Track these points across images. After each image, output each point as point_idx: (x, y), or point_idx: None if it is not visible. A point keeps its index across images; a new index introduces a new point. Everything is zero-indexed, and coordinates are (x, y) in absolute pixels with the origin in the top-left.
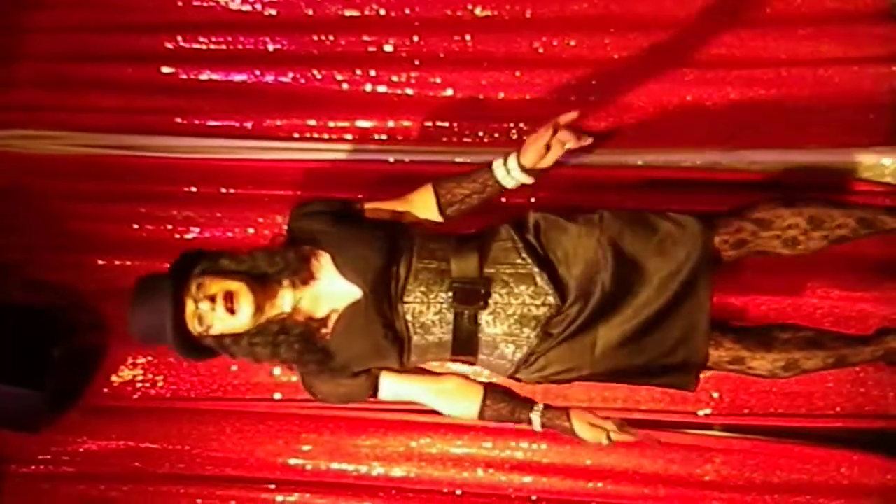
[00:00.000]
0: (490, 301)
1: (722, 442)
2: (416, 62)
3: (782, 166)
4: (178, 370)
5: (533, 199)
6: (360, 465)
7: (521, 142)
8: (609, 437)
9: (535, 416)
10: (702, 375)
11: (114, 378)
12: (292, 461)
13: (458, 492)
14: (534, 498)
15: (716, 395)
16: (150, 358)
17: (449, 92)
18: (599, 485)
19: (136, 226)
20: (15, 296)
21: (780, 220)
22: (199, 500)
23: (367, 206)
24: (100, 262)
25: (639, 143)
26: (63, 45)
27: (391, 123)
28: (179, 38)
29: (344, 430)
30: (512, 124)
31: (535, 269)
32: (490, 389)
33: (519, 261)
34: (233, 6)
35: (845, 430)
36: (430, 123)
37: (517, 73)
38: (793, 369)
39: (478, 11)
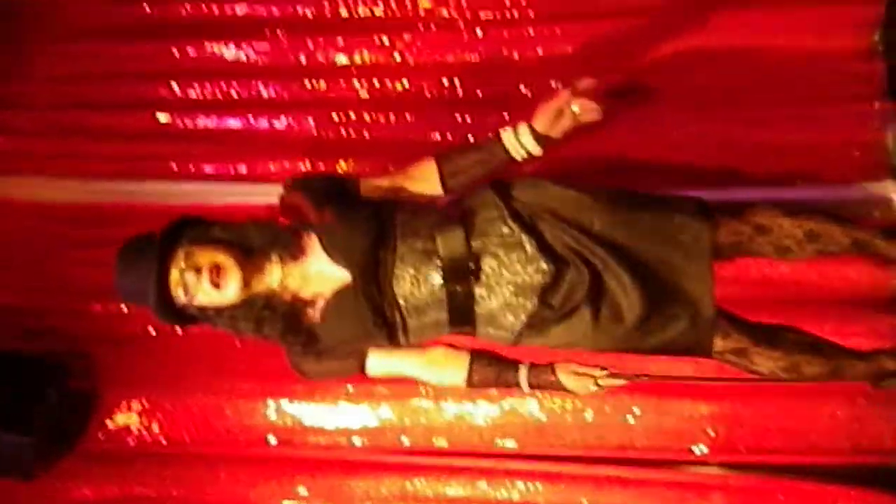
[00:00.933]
0: (481, 275)
1: (719, 479)
2: (405, 106)
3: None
4: (173, 415)
5: None
6: None
7: None
8: (597, 384)
9: (522, 377)
10: (701, 413)
11: (109, 423)
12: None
13: None
14: None
15: (712, 432)
16: (144, 403)
17: (436, 136)
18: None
19: None
20: (9, 341)
21: (780, 229)
22: None
23: (364, 182)
24: (97, 308)
25: (628, 182)
26: (61, 94)
27: (382, 167)
28: (175, 86)
29: (338, 471)
30: None
31: (524, 237)
32: (476, 355)
33: (506, 230)
34: (227, 55)
35: (842, 466)
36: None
37: (505, 114)
38: (792, 372)
39: (466, 56)
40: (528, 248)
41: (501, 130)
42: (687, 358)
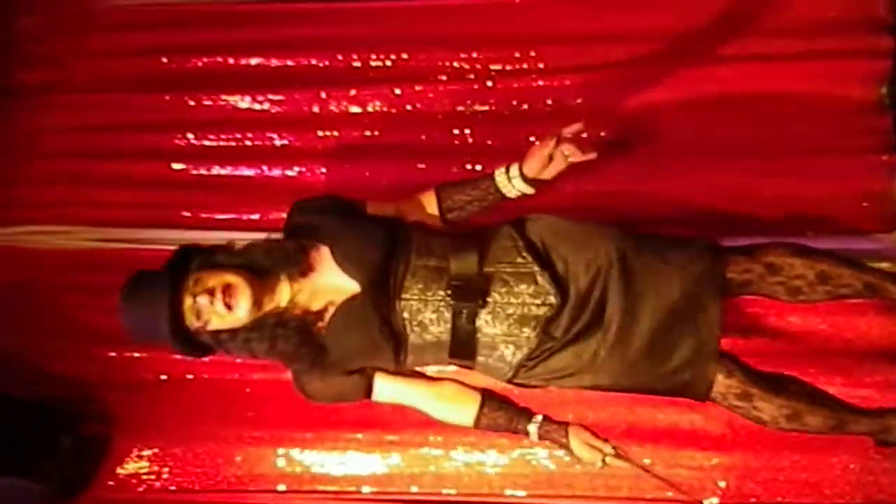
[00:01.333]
0: (489, 300)
1: None
2: (418, 157)
3: None
4: (183, 462)
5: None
6: None
7: None
8: (604, 461)
9: (533, 428)
10: (712, 464)
11: (119, 470)
12: None
13: None
14: None
15: (722, 483)
16: (155, 450)
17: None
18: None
19: None
20: (22, 387)
21: (790, 269)
22: None
23: (370, 205)
24: (109, 354)
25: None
26: (76, 144)
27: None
28: (190, 136)
29: None
30: None
31: (537, 269)
32: (488, 397)
33: (519, 259)
34: (241, 104)
35: None
36: None
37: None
38: (795, 421)
39: (476, 106)
40: (540, 279)
41: (496, 171)
42: (687, 399)
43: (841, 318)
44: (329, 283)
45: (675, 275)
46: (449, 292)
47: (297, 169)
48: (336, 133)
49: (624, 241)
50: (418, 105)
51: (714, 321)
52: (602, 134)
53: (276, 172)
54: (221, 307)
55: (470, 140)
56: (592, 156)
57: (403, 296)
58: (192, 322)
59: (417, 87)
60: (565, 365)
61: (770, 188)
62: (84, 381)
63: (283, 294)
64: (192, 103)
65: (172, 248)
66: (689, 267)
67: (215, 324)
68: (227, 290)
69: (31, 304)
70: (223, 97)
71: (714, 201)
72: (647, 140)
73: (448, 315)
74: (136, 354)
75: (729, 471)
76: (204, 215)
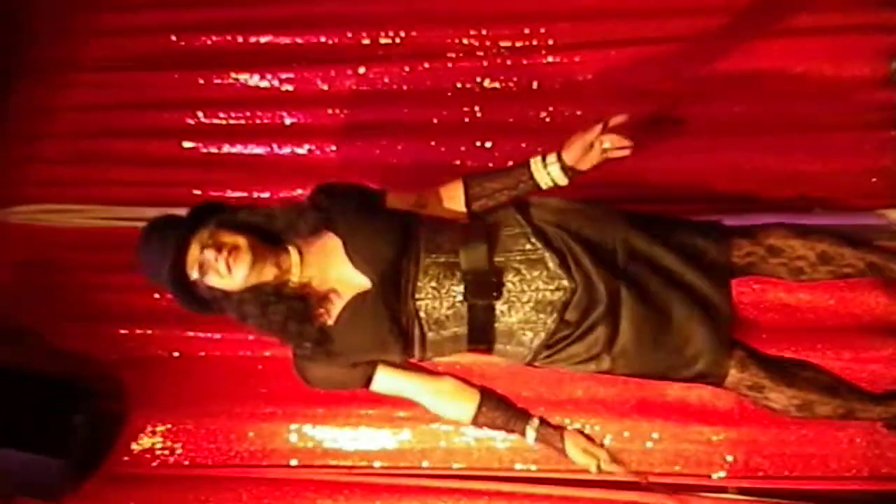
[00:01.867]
0: (503, 290)
1: None
2: (429, 134)
3: None
4: (196, 437)
5: None
6: None
7: None
8: (599, 466)
9: (530, 430)
10: (720, 439)
11: (133, 446)
12: None
13: None
14: None
15: (730, 458)
16: (168, 425)
17: (457, 162)
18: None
19: (157, 296)
20: (38, 364)
21: (791, 250)
22: None
23: (391, 196)
24: (122, 332)
25: (644, 207)
26: (88, 123)
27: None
28: (200, 114)
29: (359, 495)
30: None
31: (546, 254)
32: (486, 396)
33: (529, 246)
34: (251, 83)
35: (861, 492)
36: None
37: (523, 145)
38: (805, 411)
39: (486, 83)
40: (551, 264)
41: (531, 159)
42: (701, 384)
43: (848, 294)
44: (339, 275)
45: (682, 261)
46: (463, 288)
47: (307, 147)
48: (346, 111)
49: (631, 225)
50: (428, 82)
51: (725, 308)
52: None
53: (286, 150)
54: (223, 266)
55: (479, 117)
56: (627, 152)
57: (417, 296)
58: (193, 270)
59: (427, 65)
60: (581, 352)
61: (778, 164)
62: (98, 358)
63: (290, 267)
64: (201, 81)
65: None
66: (695, 252)
67: (213, 281)
68: (233, 251)
69: (45, 283)
70: (233, 75)
71: (722, 178)
72: (665, 120)
73: (464, 310)
74: (149, 332)
75: (736, 445)
76: (214, 194)
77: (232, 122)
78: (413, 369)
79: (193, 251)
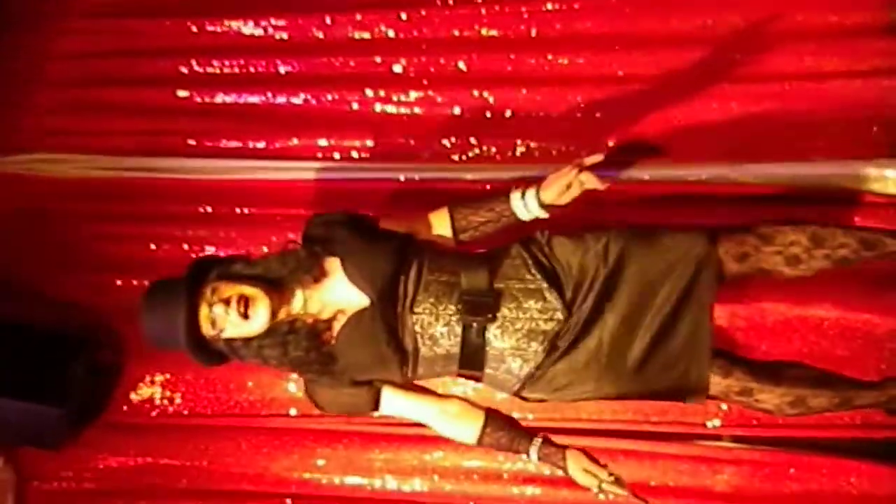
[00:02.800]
0: (499, 315)
1: (731, 453)
2: (425, 81)
3: (788, 180)
4: (196, 387)
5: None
6: (374, 478)
7: (527, 157)
8: (600, 487)
9: (533, 450)
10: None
11: (132, 395)
12: (307, 476)
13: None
14: None
15: (724, 406)
16: (167, 375)
17: (457, 110)
18: (610, 496)
19: (153, 246)
20: (36, 315)
21: (783, 235)
22: None
23: (383, 221)
24: (118, 282)
25: (644, 158)
26: (81, 72)
27: (401, 142)
28: (194, 63)
29: (358, 444)
30: (519, 141)
31: (545, 285)
32: (491, 417)
33: (528, 276)
34: (245, 31)
35: (855, 441)
36: (439, 141)
37: (523, 91)
38: (799, 406)
39: (484, 31)
40: (548, 296)
41: (511, 194)
42: (683, 402)
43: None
44: (340, 296)
45: (673, 282)
46: (460, 307)
47: (302, 96)
48: (341, 59)
49: (620, 245)
50: (424, 30)
51: (706, 317)
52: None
53: (282, 100)
54: (236, 317)
55: (476, 65)
56: (607, 185)
57: (415, 309)
58: (207, 330)
59: (423, 12)
60: (562, 374)
61: (780, 112)
62: (96, 308)
63: (297, 301)
64: (194, 29)
65: (179, 176)
66: (684, 260)
67: (230, 332)
68: (242, 300)
69: (41, 233)
70: (226, 23)
71: (724, 125)
72: (657, 67)
73: (458, 329)
74: (146, 282)
75: None
76: (209, 143)
77: (226, 70)
78: (419, 391)
79: (203, 310)
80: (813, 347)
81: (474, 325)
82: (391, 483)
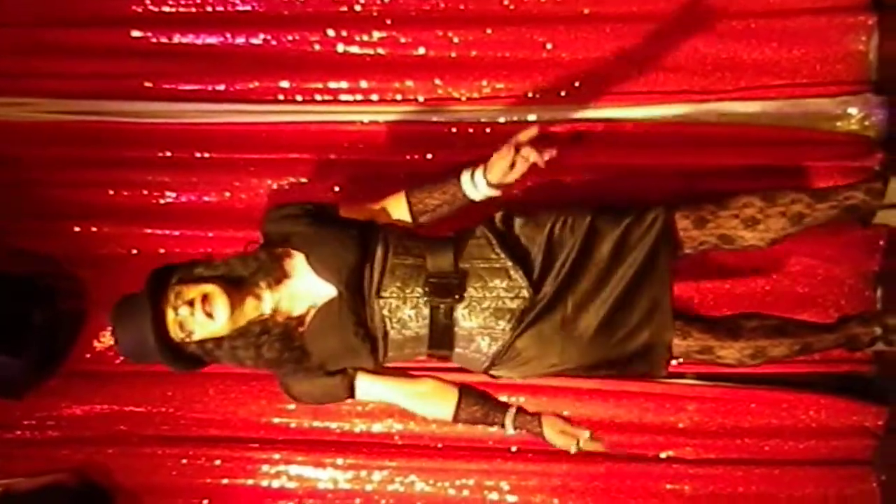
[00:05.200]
0: (465, 295)
1: (694, 390)
2: (388, 21)
3: (751, 118)
4: None
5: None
6: (342, 422)
7: (493, 98)
8: (578, 445)
9: (508, 420)
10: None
11: (95, 343)
12: (276, 420)
13: (439, 445)
14: (514, 449)
15: None
16: None
17: (421, 51)
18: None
19: (111, 191)
20: None
21: (736, 200)
22: (183, 461)
23: (343, 208)
24: (76, 229)
25: (609, 98)
26: (32, 11)
27: (364, 84)
28: (148, 2)
29: None
30: (485, 82)
31: (509, 264)
32: (465, 392)
33: (493, 255)
34: None
35: (813, 375)
36: (402, 83)
37: (488, 31)
38: (760, 357)
39: None
40: (513, 274)
41: (462, 176)
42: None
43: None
44: (308, 289)
45: (632, 246)
46: (426, 289)
47: (262, 36)
48: None
49: (584, 220)
50: None
51: (665, 287)
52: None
53: (240, 40)
54: (202, 316)
55: (441, 4)
56: (553, 153)
57: (382, 294)
58: (176, 334)
59: None
60: (528, 349)
61: (745, 50)
62: (54, 256)
63: (265, 302)
64: None
65: (137, 120)
66: (644, 231)
67: (199, 334)
68: (206, 299)
69: None
70: None
71: (689, 64)
72: (622, 6)
73: (426, 311)
74: (106, 229)
75: None
76: (167, 86)
77: (182, 10)
78: (392, 374)
79: (169, 315)
80: (775, 285)
81: (441, 306)
82: (359, 426)
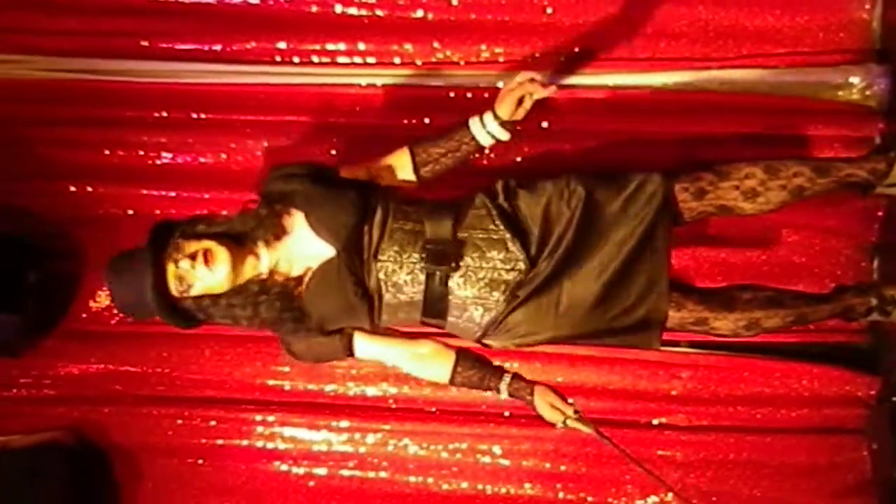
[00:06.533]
0: (461, 264)
1: (688, 358)
2: None
3: (753, 86)
4: None
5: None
6: (336, 384)
7: (492, 63)
8: (565, 423)
9: (503, 386)
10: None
11: (92, 303)
12: (271, 382)
13: (433, 409)
14: (507, 414)
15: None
16: None
17: (420, 13)
18: (570, 400)
19: (107, 151)
20: None
21: (737, 170)
22: (179, 422)
23: (343, 169)
24: (72, 189)
25: (609, 64)
26: None
27: (362, 46)
28: None
29: None
30: (484, 46)
31: (508, 235)
32: (462, 356)
33: (492, 227)
34: None
35: (806, 344)
36: (400, 46)
37: None
38: (754, 328)
39: None
40: (511, 246)
41: (469, 120)
42: (641, 348)
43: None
44: (306, 249)
45: (631, 224)
46: (423, 255)
47: None
48: None
49: (582, 192)
50: None
51: (663, 260)
52: None
53: (238, 0)
54: (203, 270)
55: None
56: (553, 90)
57: (380, 257)
58: (175, 287)
59: None
60: (529, 319)
61: (746, 18)
62: (49, 217)
63: (263, 261)
64: None
65: (133, 79)
66: (643, 203)
67: (197, 289)
68: (207, 254)
69: None
70: None
71: (692, 30)
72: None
73: (422, 277)
74: (102, 190)
75: None
76: (164, 45)
77: None
78: (389, 334)
79: (169, 269)
80: (771, 254)
81: (437, 273)
82: (353, 389)
